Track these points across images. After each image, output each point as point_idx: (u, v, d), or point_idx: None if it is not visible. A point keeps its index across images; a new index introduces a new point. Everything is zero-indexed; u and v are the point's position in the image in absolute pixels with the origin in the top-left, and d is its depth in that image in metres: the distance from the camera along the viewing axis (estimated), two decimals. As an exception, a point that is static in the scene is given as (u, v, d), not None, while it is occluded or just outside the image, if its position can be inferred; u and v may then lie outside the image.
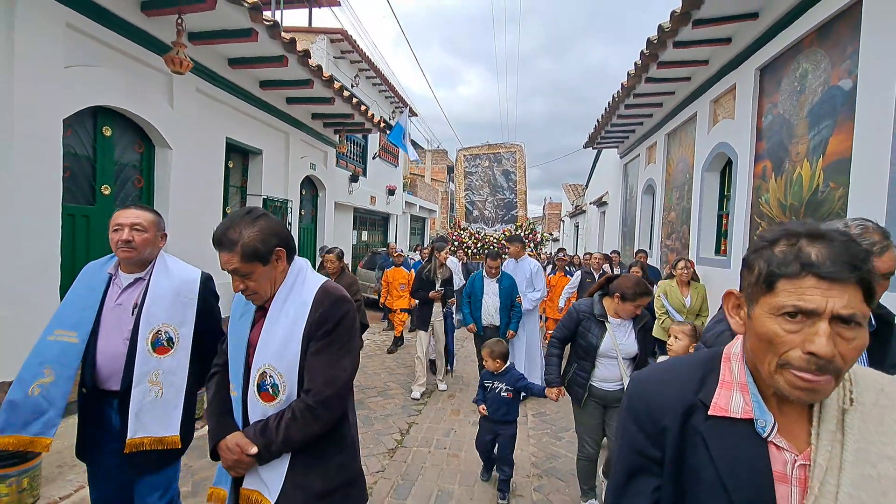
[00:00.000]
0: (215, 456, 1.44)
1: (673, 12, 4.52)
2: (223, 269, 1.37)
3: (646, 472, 0.83)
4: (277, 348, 1.35)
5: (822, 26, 3.68)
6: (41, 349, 1.70)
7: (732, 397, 0.77)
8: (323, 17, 33.12)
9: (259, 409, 1.38)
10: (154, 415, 1.73)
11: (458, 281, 6.53)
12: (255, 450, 1.33)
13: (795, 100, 4.07)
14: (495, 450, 3.18)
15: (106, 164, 4.40)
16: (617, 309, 2.68)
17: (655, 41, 5.06)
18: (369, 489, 3.15)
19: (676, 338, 2.67)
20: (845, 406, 0.70)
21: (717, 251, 5.80)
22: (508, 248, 5.45)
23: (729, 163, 5.42)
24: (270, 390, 1.36)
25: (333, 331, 1.37)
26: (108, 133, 4.40)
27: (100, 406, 1.79)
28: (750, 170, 4.77)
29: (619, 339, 2.70)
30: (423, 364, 5.16)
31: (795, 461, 0.72)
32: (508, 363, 3.16)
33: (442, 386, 5.42)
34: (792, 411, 0.74)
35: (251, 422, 1.40)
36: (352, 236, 12.06)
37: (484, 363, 3.20)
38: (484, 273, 4.92)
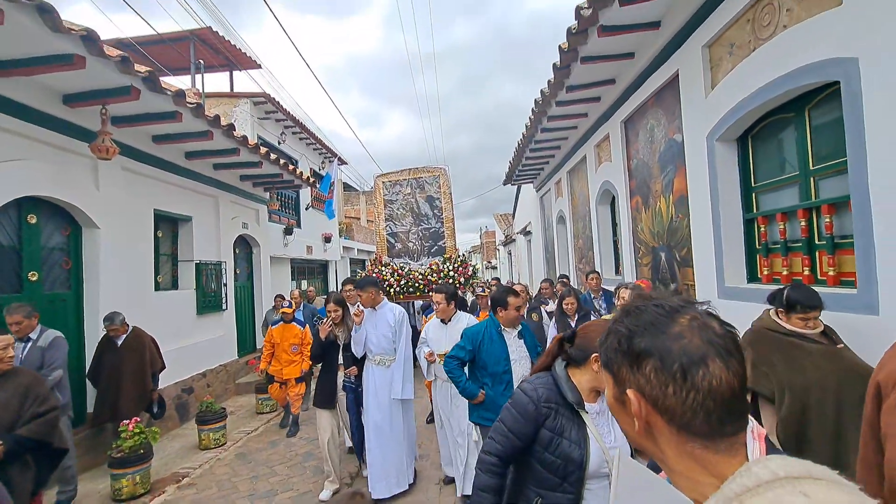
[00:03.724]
0: None
1: (546, 85, 5.42)
2: None
3: None
4: None
5: (657, 92, 4.67)
6: None
7: None
8: (243, 79, 33.33)
9: None
10: None
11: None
12: None
13: (649, 147, 5.04)
14: None
15: (32, 252, 4.46)
16: (590, 380, 1.60)
17: (540, 101, 5.98)
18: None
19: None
20: None
21: (616, 271, 6.70)
22: (361, 295, 3.96)
23: (614, 197, 6.38)
24: None
25: None
26: (34, 221, 4.48)
27: None
28: (627, 203, 5.70)
29: (605, 439, 1.60)
30: (331, 453, 4.05)
31: None
32: None
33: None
34: None
35: None
36: (290, 286, 12.08)
37: None
38: (502, 325, 3.19)
